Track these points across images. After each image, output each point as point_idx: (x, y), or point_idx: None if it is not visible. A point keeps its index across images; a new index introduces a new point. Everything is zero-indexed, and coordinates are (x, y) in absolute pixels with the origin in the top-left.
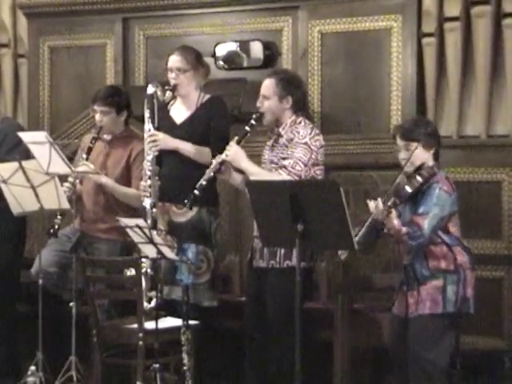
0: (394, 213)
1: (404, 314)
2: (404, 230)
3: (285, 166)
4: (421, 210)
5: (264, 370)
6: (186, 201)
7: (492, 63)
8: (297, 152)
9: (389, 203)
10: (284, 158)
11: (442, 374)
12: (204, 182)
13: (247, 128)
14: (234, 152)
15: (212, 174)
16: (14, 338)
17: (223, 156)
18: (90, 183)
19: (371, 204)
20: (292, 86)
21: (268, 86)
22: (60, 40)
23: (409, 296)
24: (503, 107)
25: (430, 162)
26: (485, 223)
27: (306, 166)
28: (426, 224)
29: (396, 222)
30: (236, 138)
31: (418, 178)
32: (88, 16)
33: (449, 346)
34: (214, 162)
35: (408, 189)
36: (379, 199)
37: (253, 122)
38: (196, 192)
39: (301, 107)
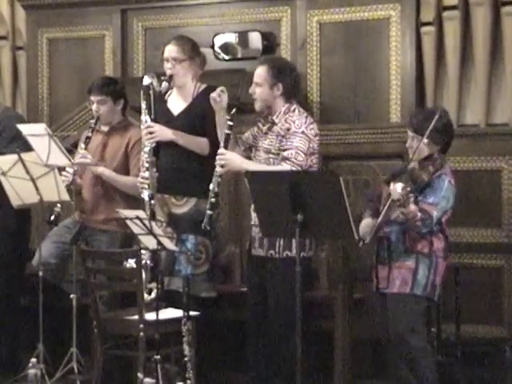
0: (412, 197)
1: (380, 288)
2: (419, 215)
3: (288, 158)
4: (430, 200)
5: (265, 359)
6: (203, 225)
7: (491, 52)
8: (296, 142)
9: (408, 188)
10: (284, 150)
11: (418, 351)
12: (213, 200)
13: (227, 131)
14: (229, 160)
15: (216, 188)
16: (17, 330)
17: (220, 170)
18: (89, 174)
19: (393, 186)
20: (282, 74)
21: (260, 73)
22: (58, 32)
23: (380, 269)
24: (502, 96)
25: (436, 155)
26: (484, 212)
27: (306, 155)
28: (434, 214)
29: (413, 206)
30: (222, 144)
31: (430, 167)
32: (86, 8)
33: (413, 326)
34: (214, 178)
35: (425, 177)
36: (399, 184)
37: (230, 123)
38: (209, 212)
39: (292, 94)
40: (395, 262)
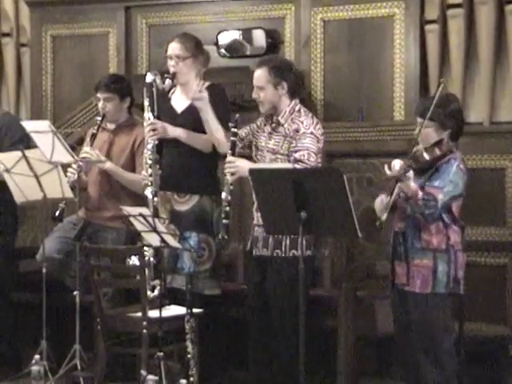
0: (411, 174)
1: (398, 284)
2: (420, 194)
3: (300, 160)
4: (436, 184)
5: (268, 357)
6: (220, 235)
7: (495, 50)
8: (306, 142)
9: (406, 164)
10: (295, 151)
11: (447, 355)
12: (227, 209)
13: (233, 138)
14: (239, 167)
15: (229, 196)
16: (15, 326)
17: (231, 178)
18: (95, 171)
19: (392, 163)
20: (284, 71)
21: (260, 76)
22: (62, 29)
23: (396, 265)
24: (507, 94)
25: (445, 140)
26: (488, 210)
27: (316, 155)
28: (439, 197)
29: (413, 184)
30: (229, 152)
31: (437, 150)
32: (90, 5)
33: (446, 328)
34: (225, 187)
35: (426, 156)
36: (398, 160)
37: (234, 130)
38: (225, 221)
39: (296, 90)
40: (412, 259)
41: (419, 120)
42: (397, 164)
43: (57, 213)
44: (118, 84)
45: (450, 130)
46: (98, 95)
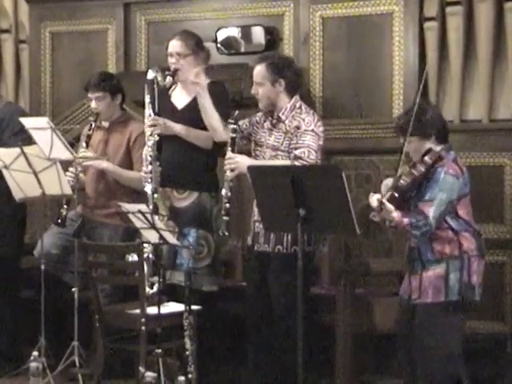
0: (388, 206)
1: (408, 297)
2: (406, 221)
3: (300, 157)
4: (426, 197)
5: (267, 354)
6: (220, 231)
7: (494, 47)
8: (307, 140)
9: (383, 199)
10: (296, 148)
11: (451, 362)
12: (227, 205)
13: (232, 135)
14: (239, 163)
15: (229, 193)
16: (16, 323)
17: (230, 174)
18: (92, 171)
19: (370, 198)
20: (282, 69)
21: (259, 72)
22: (61, 25)
23: (412, 279)
24: (505, 91)
25: (438, 148)
26: (487, 208)
27: (316, 152)
28: (431, 212)
29: (395, 214)
30: (229, 148)
31: (420, 168)
32: (89, 1)
33: (456, 333)
34: (225, 183)
35: (402, 182)
36: (376, 195)
37: (233, 126)
38: (226, 218)
39: (295, 87)
40: (426, 271)
41: (401, 138)
42: (374, 202)
43: (59, 220)
44: (108, 81)
45: (433, 136)
46: (89, 95)
